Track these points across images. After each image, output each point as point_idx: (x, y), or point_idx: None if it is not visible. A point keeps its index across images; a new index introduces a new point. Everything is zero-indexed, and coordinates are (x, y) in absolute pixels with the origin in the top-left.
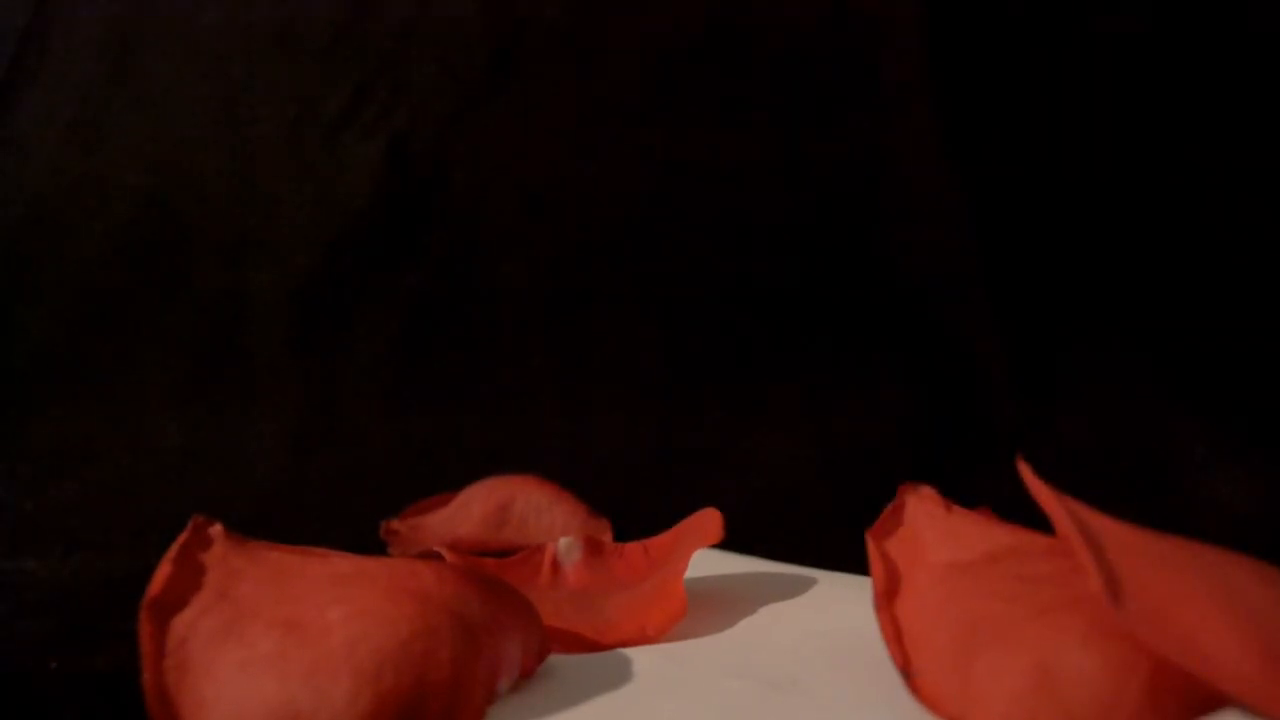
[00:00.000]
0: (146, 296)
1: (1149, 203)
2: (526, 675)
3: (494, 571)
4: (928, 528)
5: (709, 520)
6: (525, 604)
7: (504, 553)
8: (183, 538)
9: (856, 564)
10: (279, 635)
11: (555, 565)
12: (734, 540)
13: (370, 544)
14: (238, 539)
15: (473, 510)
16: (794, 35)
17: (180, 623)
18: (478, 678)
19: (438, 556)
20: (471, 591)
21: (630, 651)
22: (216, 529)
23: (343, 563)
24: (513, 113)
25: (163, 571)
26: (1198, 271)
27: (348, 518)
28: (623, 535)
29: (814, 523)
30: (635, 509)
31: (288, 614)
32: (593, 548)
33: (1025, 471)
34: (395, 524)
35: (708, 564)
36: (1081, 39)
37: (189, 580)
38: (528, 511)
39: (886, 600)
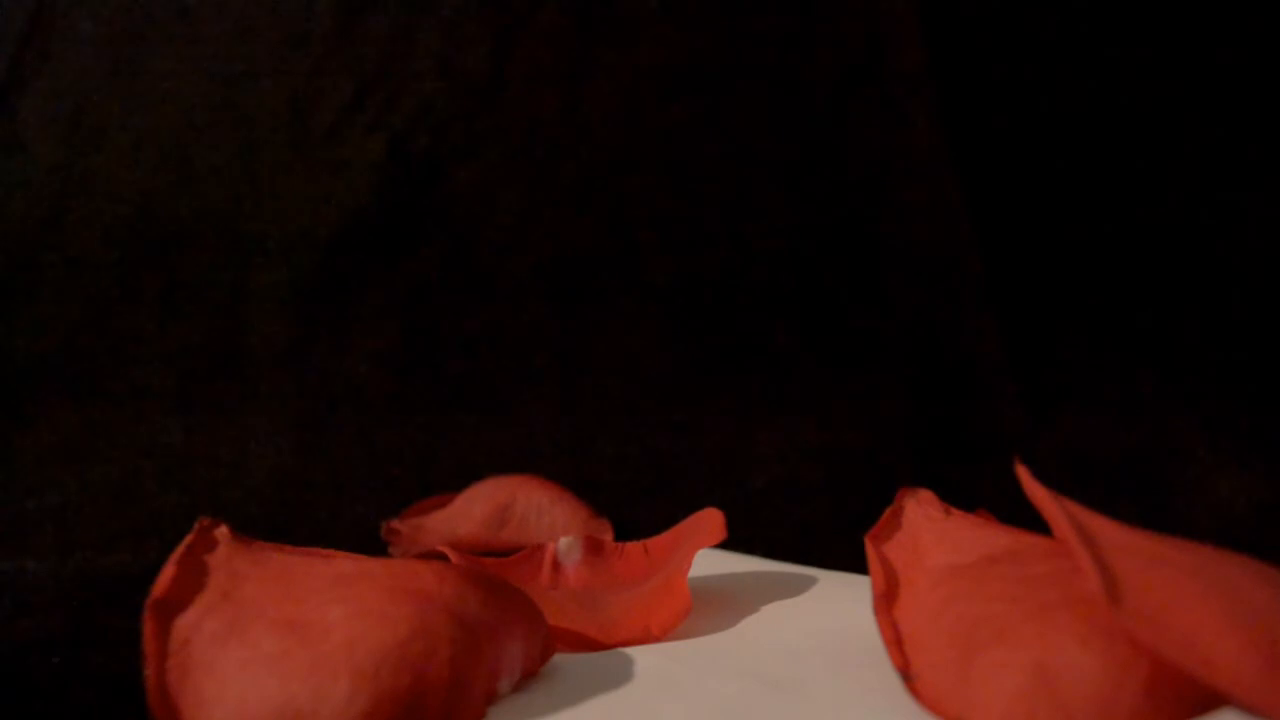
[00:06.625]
0: (147, 296)
1: (1149, 206)
2: (530, 674)
3: (495, 571)
4: (926, 531)
5: (710, 520)
6: (529, 604)
7: (505, 553)
8: (189, 539)
9: (856, 566)
10: (280, 635)
11: (555, 565)
12: (735, 540)
13: (371, 544)
14: (243, 540)
15: (474, 510)
16: (797, 39)
17: (184, 624)
18: (477, 677)
19: (441, 556)
20: (472, 591)
21: (632, 651)
22: (222, 530)
23: (345, 563)
24: (513, 112)
25: (167, 573)
26: (1197, 275)
27: (348, 517)
28: (624, 536)
29: (814, 525)
30: (637, 510)
31: (290, 614)
32: (593, 547)
33: (1023, 474)
34: (396, 524)
35: (709, 563)
36: (1085, 42)
37: (193, 581)
38: (529, 512)
39: (885, 603)
